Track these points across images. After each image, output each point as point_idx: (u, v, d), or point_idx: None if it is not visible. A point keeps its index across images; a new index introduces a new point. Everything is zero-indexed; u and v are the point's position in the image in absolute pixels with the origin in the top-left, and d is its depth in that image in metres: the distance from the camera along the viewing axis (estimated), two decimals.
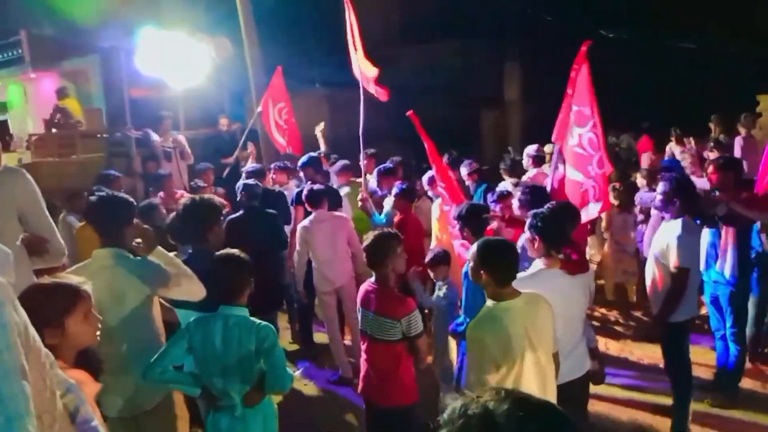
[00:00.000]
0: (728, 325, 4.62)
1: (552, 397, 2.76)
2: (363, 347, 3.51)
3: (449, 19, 13.94)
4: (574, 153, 4.54)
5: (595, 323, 6.20)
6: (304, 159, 6.46)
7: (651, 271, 4.20)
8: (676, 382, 4.22)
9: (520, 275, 2.99)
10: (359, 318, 3.53)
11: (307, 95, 12.58)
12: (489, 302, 2.76)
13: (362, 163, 6.28)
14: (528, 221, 3.30)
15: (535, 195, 4.21)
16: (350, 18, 5.95)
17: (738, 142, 7.96)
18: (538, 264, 3.26)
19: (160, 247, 3.07)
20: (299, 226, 5.42)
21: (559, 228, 3.25)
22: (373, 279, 3.46)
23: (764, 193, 3.41)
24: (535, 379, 2.67)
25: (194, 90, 9.55)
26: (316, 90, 13.68)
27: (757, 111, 9.68)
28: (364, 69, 5.93)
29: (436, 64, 13.56)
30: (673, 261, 3.95)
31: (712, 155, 6.69)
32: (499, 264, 2.72)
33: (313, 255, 5.35)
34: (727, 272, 4.44)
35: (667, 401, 4.34)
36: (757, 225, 4.63)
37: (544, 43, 13.90)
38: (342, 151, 7.68)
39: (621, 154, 11.90)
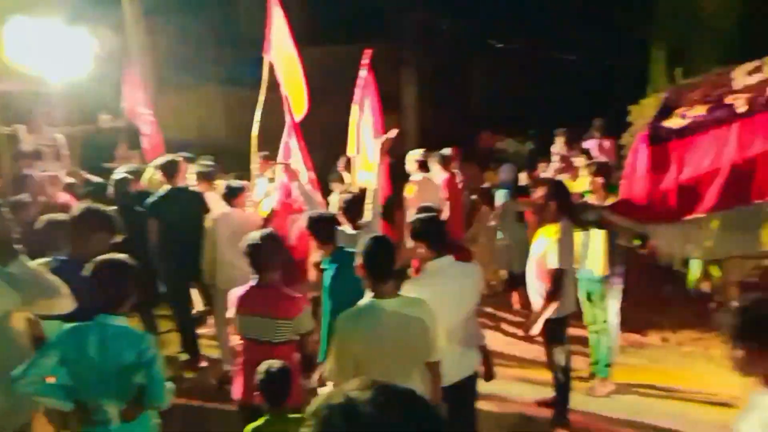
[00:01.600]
0: (600, 319, 5.03)
1: None
2: (243, 353, 3.41)
3: (351, 22, 14.01)
4: None
5: (485, 321, 6.48)
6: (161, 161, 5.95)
7: (532, 271, 4.45)
8: (556, 375, 4.51)
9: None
10: (237, 324, 3.41)
11: (200, 92, 12.11)
12: (368, 296, 2.79)
13: (255, 165, 6.14)
14: (410, 232, 3.37)
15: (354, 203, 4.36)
16: (275, 18, 5.82)
17: (592, 145, 8.82)
18: (438, 261, 3.31)
19: (22, 257, 2.83)
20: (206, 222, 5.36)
21: (439, 228, 3.36)
22: (254, 281, 3.37)
23: (626, 198, 3.72)
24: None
25: (74, 84, 8.91)
26: (209, 87, 13.17)
27: (628, 120, 10.52)
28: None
29: (337, 67, 13.56)
30: (551, 262, 4.22)
31: (578, 161, 7.24)
32: (371, 260, 2.74)
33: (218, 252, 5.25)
34: (598, 271, 4.83)
35: (550, 393, 4.63)
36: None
37: (439, 50, 14.36)
38: (237, 152, 7.49)
39: (509, 159, 12.57)
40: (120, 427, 2.72)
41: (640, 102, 10.77)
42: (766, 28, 9.46)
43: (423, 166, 6.76)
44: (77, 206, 3.63)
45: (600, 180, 5.02)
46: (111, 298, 2.75)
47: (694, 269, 6.41)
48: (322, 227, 3.99)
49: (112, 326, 2.72)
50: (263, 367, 2.93)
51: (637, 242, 6.45)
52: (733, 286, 6.51)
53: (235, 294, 3.40)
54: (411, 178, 6.70)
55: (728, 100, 3.40)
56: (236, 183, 5.54)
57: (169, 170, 5.62)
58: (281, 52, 5.80)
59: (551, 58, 14.50)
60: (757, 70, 3.35)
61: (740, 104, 3.31)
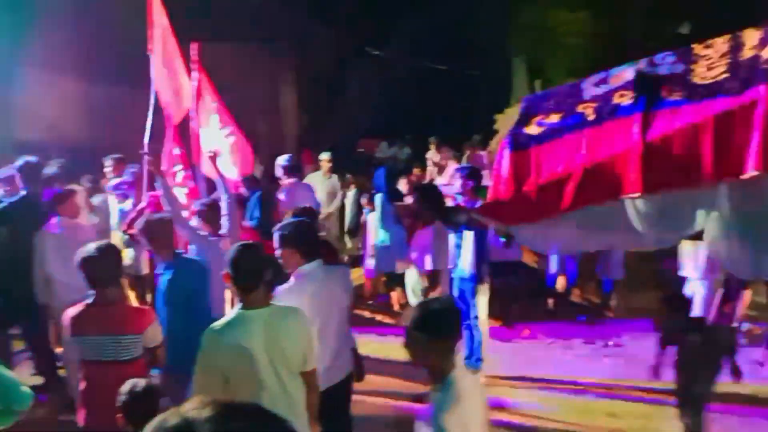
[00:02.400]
0: (472, 315, 5.27)
1: (301, 421, 2.69)
2: (86, 377, 3.12)
3: (222, 20, 13.54)
4: None
5: (360, 324, 6.55)
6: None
7: (411, 273, 4.58)
8: None
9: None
10: (74, 347, 3.13)
11: (56, 86, 11.05)
12: (237, 307, 2.71)
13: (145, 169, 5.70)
14: (277, 239, 3.30)
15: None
16: (157, 15, 5.42)
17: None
18: (307, 266, 3.29)
19: None
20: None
21: (308, 232, 3.35)
22: (91, 299, 3.10)
23: (492, 200, 3.93)
24: (281, 401, 2.58)
25: None
26: (67, 81, 12.04)
27: (495, 128, 11.19)
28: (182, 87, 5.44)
29: (208, 68, 13.06)
30: (427, 263, 4.36)
31: (451, 166, 7.60)
32: (236, 269, 2.66)
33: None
34: (469, 270, 5.07)
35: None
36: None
37: (320, 55, 14.35)
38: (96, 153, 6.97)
39: (387, 162, 12.86)
40: None
41: (504, 111, 11.50)
42: (611, 43, 10.49)
43: (291, 171, 6.64)
44: None
45: (470, 183, 5.27)
46: None
47: (553, 266, 6.90)
48: (158, 231, 3.81)
49: None
50: (126, 387, 2.72)
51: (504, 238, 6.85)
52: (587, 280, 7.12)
53: (68, 315, 3.11)
54: (281, 183, 6.60)
55: (579, 108, 3.69)
56: (76, 187, 5.06)
57: (27, 174, 5.06)
58: (162, 51, 5.48)
59: (425, 66, 15.06)
60: (603, 81, 3.66)
61: (589, 113, 3.61)
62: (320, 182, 7.81)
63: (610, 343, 6.28)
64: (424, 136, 11.60)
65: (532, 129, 3.87)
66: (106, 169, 5.70)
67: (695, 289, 5.64)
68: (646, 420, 4.70)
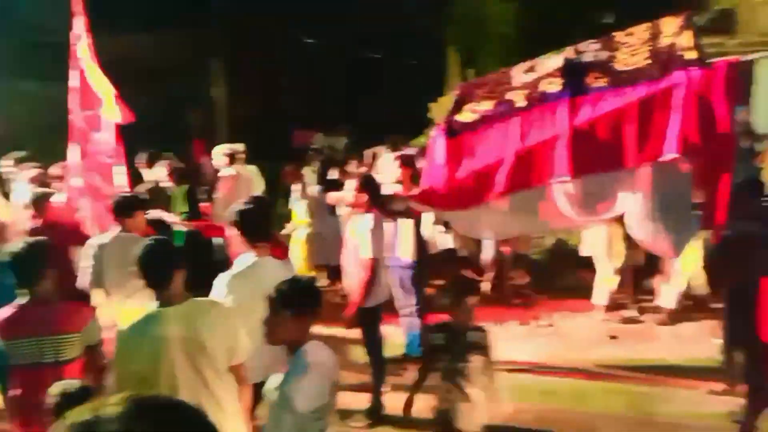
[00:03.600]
0: (412, 302, 5.32)
1: (232, 418, 2.64)
2: (19, 382, 2.93)
3: (143, 7, 12.99)
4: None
5: None
6: None
7: (348, 263, 4.56)
8: (373, 360, 4.66)
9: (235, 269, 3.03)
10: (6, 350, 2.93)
11: None
12: (152, 305, 2.63)
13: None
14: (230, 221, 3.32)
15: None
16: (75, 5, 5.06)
17: None
18: (250, 255, 3.26)
19: None
20: None
21: (254, 219, 3.31)
22: (25, 300, 2.92)
23: (428, 188, 3.97)
24: (205, 399, 2.51)
25: None
26: None
27: (429, 116, 11.27)
28: (94, 84, 5.05)
29: (132, 58, 12.52)
30: (364, 252, 4.35)
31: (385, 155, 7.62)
32: (145, 265, 2.61)
33: None
34: (407, 258, 5.11)
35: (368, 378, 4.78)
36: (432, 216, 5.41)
37: (250, 42, 14.01)
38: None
39: (324, 152, 12.74)
40: None
41: (438, 100, 11.60)
42: (540, 32, 10.77)
43: (232, 160, 6.56)
44: None
45: (407, 171, 5.30)
46: None
47: (487, 252, 6.99)
48: None
49: None
50: (56, 389, 2.57)
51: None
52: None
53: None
54: (220, 174, 6.46)
55: (510, 95, 3.77)
56: None
57: None
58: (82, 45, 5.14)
59: (360, 56, 14.98)
60: (531, 69, 3.76)
61: (519, 99, 3.70)
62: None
63: (544, 323, 6.50)
64: (361, 126, 11.56)
65: (466, 116, 3.92)
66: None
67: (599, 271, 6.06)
68: (580, 396, 4.89)
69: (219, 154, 6.54)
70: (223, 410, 2.57)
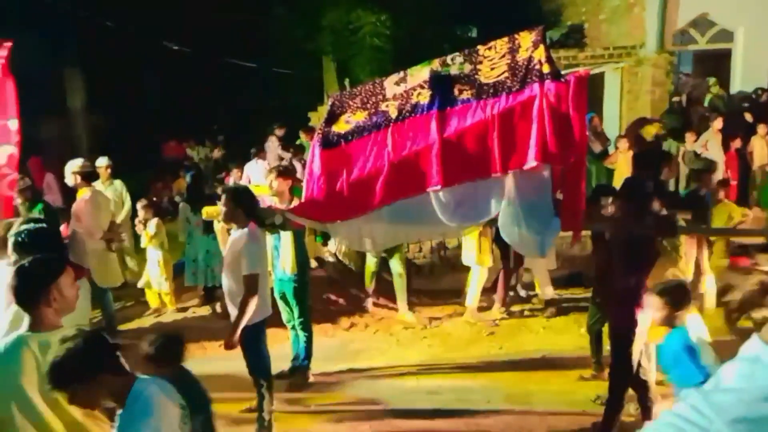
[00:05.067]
0: (296, 315, 5.23)
1: None
2: None
3: None
4: None
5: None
6: None
7: (226, 280, 4.38)
8: (258, 377, 4.50)
9: None
10: None
11: None
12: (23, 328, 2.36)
13: None
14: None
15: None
16: None
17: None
18: None
19: None
20: None
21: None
22: None
23: (307, 199, 3.92)
24: None
25: None
26: None
27: (310, 125, 11.24)
28: None
29: None
30: (243, 268, 4.20)
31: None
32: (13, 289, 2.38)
33: None
34: (289, 270, 5.02)
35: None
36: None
37: (109, 50, 13.14)
38: None
39: (200, 164, 12.25)
40: None
41: (318, 109, 11.61)
42: (411, 44, 11.13)
43: (86, 177, 5.98)
44: None
45: (285, 182, 5.21)
46: None
47: (371, 266, 7.03)
48: None
49: None
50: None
51: (319, 240, 6.93)
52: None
53: None
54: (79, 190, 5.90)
55: (383, 107, 3.83)
56: None
57: None
58: None
59: (233, 64, 14.59)
60: (402, 80, 3.84)
61: (392, 110, 3.76)
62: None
63: (428, 325, 6.68)
64: (237, 136, 11.26)
65: (341, 126, 3.93)
66: None
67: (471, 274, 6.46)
68: (463, 393, 5.07)
69: (68, 172, 5.92)
70: None
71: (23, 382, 2.22)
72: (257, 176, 8.57)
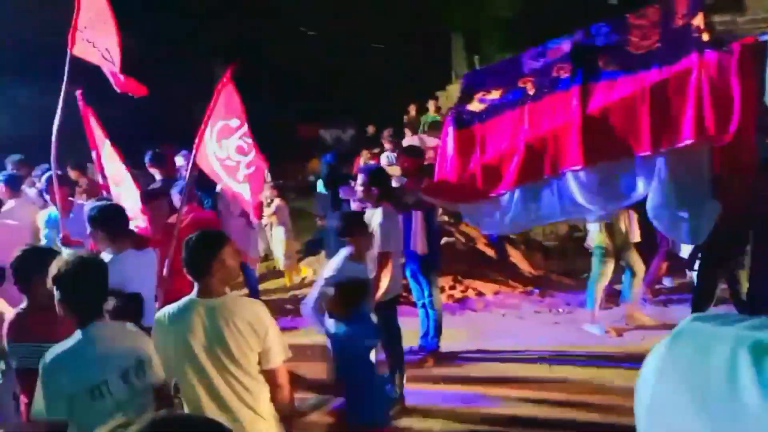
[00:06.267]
0: (426, 294, 5.28)
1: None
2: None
3: None
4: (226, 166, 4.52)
5: None
6: None
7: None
8: (391, 351, 4.62)
9: None
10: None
11: None
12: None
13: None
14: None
15: None
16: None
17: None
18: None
19: None
20: None
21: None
22: (24, 305, 2.93)
23: (439, 180, 3.92)
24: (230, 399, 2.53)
25: None
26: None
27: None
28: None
29: None
30: (377, 246, 4.31)
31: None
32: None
33: None
34: (420, 250, 5.06)
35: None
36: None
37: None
38: None
39: (333, 146, 12.70)
40: None
41: (446, 88, 11.52)
42: (545, 16, 10.62)
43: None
44: None
45: (413, 162, 5.25)
46: None
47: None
48: None
49: None
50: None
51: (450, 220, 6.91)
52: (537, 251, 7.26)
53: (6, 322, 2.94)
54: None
55: (519, 84, 3.70)
56: None
57: None
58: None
59: (365, 45, 14.85)
60: (541, 54, 3.69)
61: (529, 87, 3.63)
62: None
63: (560, 310, 6.45)
64: (367, 117, 11.47)
65: (474, 106, 3.86)
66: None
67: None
68: (596, 385, 4.83)
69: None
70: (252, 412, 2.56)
71: (191, 339, 2.47)
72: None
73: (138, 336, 2.57)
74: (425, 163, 5.76)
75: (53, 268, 2.42)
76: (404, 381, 4.63)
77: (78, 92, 4.60)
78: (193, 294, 2.59)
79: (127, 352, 2.44)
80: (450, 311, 6.22)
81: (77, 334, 2.40)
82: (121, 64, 4.35)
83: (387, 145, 8.05)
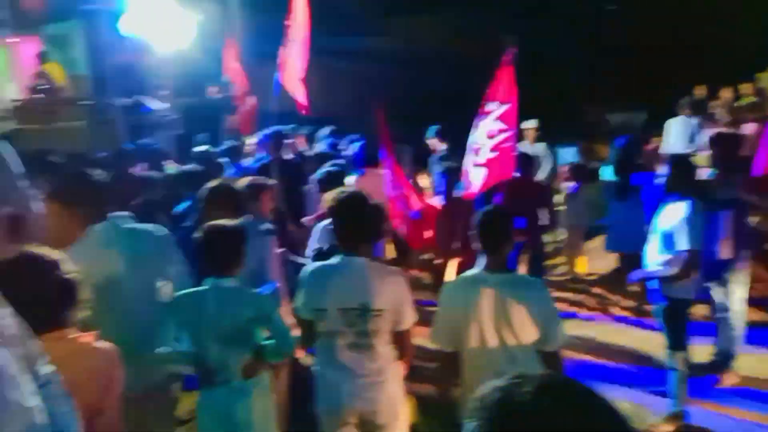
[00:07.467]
0: (722, 307, 4.60)
1: None
2: None
3: None
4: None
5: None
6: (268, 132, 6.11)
7: (652, 254, 4.13)
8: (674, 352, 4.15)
9: None
10: None
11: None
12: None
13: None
14: None
15: None
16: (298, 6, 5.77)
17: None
18: None
19: None
20: None
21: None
22: None
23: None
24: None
25: (182, 56, 9.26)
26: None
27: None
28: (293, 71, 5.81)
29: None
30: (682, 243, 3.89)
31: None
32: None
33: None
34: (723, 253, 4.42)
35: None
36: None
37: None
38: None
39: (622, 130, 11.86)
40: (241, 383, 2.78)
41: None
42: None
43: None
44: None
45: (724, 153, 4.57)
46: (219, 262, 2.80)
47: None
48: None
49: (227, 288, 2.78)
50: None
51: None
52: None
53: None
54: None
55: None
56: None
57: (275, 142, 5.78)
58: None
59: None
60: None
61: None
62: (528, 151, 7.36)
63: None
64: (661, 100, 10.32)
65: None
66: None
67: None
68: None
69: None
70: None
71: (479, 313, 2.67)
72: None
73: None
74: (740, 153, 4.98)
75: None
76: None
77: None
78: (481, 267, 2.73)
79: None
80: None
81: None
82: None
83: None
